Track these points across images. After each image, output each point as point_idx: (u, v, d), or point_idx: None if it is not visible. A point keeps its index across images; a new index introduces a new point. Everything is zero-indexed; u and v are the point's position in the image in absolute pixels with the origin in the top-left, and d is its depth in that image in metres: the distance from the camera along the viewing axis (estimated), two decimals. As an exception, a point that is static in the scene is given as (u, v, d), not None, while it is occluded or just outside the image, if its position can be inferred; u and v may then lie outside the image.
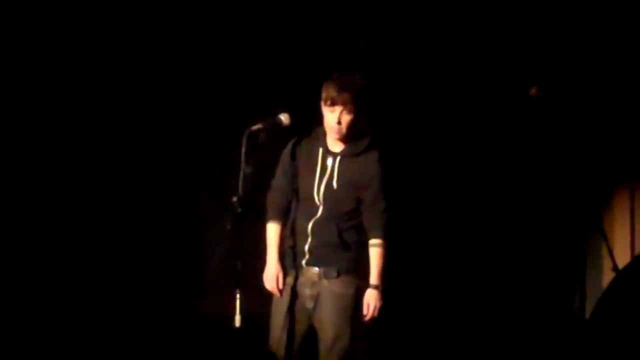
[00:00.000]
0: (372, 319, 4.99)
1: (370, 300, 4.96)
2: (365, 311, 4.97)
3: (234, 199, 4.76)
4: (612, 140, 7.17)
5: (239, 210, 4.74)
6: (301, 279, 5.06)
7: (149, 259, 7.13)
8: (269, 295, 5.12)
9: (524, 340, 6.98)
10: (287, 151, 5.16)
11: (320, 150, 5.09)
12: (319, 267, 5.03)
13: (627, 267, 6.53)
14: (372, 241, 5.01)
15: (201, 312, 7.03)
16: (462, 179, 7.29)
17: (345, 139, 5.05)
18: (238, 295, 4.71)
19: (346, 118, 4.99)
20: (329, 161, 5.06)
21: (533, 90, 6.63)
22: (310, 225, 5.04)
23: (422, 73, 7.26)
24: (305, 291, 5.05)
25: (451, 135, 7.29)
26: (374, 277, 4.96)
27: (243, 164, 4.86)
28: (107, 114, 7.13)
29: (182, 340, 6.96)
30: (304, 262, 5.05)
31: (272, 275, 5.05)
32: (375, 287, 4.97)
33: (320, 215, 5.02)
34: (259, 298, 5.02)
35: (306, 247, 5.05)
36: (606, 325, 6.25)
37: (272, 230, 5.13)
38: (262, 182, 5.14)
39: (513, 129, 7.20)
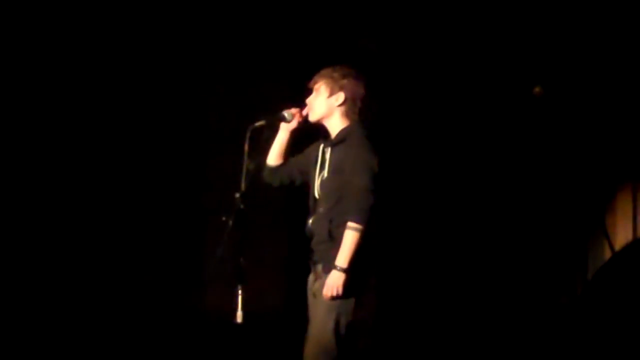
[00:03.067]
0: (340, 301, 4.77)
1: (329, 281, 4.77)
2: (324, 291, 4.79)
3: (237, 195, 4.75)
4: (615, 141, 7.17)
5: (242, 206, 4.73)
6: (312, 277, 4.99)
7: (150, 255, 7.14)
8: (271, 292, 5.09)
9: (525, 337, 6.98)
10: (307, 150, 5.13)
11: (322, 145, 5.04)
12: (320, 263, 4.93)
13: (626, 247, 6.56)
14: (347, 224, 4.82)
15: (203, 308, 7.04)
16: (465, 177, 7.29)
17: (317, 122, 4.98)
18: (240, 292, 4.70)
19: (312, 99, 4.98)
20: (326, 154, 4.98)
21: (536, 90, 6.63)
22: (310, 222, 4.99)
23: (424, 72, 7.26)
24: (313, 287, 4.97)
25: (454, 134, 7.29)
26: (338, 259, 4.76)
27: (246, 160, 4.85)
28: (108, 111, 7.16)
29: (184, 336, 6.97)
30: (313, 259, 4.98)
31: None
32: (339, 269, 4.74)
33: (318, 211, 4.95)
34: (261, 294, 5.00)
35: (312, 245, 4.99)
36: (598, 300, 6.28)
37: None
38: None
39: (516, 128, 7.20)
